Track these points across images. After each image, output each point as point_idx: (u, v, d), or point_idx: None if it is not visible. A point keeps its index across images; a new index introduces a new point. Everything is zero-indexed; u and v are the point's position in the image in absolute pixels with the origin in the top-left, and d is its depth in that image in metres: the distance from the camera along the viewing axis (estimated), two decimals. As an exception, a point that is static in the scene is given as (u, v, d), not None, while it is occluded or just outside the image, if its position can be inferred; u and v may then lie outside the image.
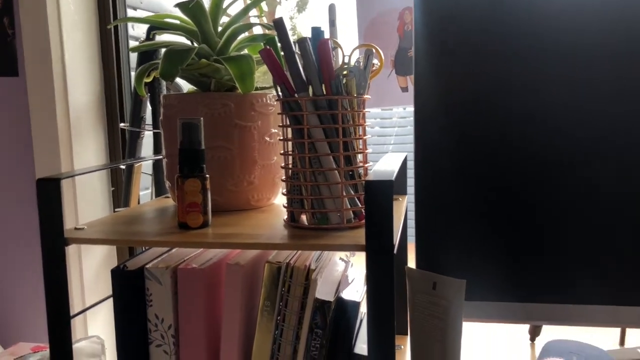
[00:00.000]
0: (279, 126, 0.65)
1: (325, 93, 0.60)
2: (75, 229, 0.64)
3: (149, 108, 1.08)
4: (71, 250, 1.14)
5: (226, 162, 0.71)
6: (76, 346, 0.78)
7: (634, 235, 0.60)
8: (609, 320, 0.62)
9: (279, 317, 0.63)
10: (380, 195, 0.52)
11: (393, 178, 0.54)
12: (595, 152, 0.61)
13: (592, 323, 0.62)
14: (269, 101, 0.73)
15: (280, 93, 0.62)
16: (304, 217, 0.64)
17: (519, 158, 0.63)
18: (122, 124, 1.13)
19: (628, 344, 0.81)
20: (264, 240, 0.58)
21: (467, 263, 0.63)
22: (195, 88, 0.76)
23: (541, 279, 0.63)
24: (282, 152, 0.65)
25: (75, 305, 1.15)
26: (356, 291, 0.66)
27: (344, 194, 0.61)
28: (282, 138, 0.65)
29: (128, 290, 0.65)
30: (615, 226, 0.61)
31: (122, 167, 1.11)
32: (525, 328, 0.84)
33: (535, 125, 0.63)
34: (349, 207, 0.62)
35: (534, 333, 0.79)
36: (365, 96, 0.63)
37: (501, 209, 0.63)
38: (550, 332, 0.75)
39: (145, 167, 1.15)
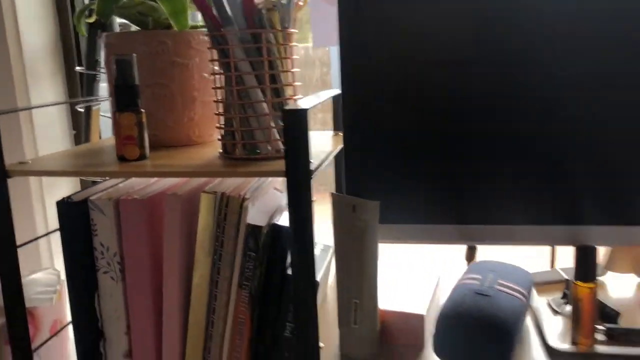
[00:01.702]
0: (209, 61, 0.67)
1: (248, 27, 0.62)
2: (20, 163, 0.67)
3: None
4: (33, 185, 1.16)
5: (166, 98, 0.74)
6: (33, 277, 0.83)
7: (557, 155, 0.63)
8: (518, 239, 0.66)
9: (217, 243, 0.67)
10: (295, 123, 0.55)
11: (308, 107, 0.56)
12: (515, 71, 0.64)
13: (509, 242, 0.66)
14: (206, 39, 0.75)
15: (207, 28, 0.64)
16: (238, 149, 0.67)
17: (440, 77, 0.65)
18: (78, 68, 1.14)
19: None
20: (193, 169, 0.62)
21: (392, 187, 0.67)
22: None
23: (462, 201, 0.66)
24: (213, 86, 0.68)
25: (41, 241, 1.19)
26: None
27: (273, 125, 0.64)
28: (212, 72, 0.67)
29: (73, 221, 0.69)
30: (535, 144, 0.64)
31: (81, 110, 1.12)
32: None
33: (455, 44, 0.65)
34: (278, 138, 0.65)
35: (470, 256, 0.84)
36: (291, 30, 0.65)
37: (423, 132, 0.66)
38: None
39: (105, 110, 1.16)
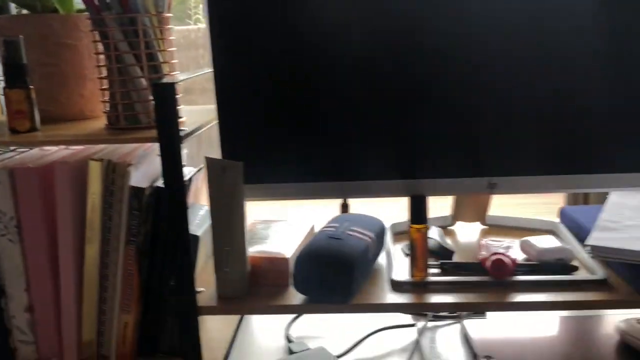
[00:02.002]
0: (92, 42, 0.75)
1: (124, 11, 0.71)
2: None
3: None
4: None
5: (57, 77, 0.81)
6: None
7: (394, 120, 0.76)
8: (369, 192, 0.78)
9: (106, 205, 0.76)
10: (163, 96, 0.65)
11: (175, 82, 0.66)
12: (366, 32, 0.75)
13: (363, 195, 0.78)
14: (93, 21, 0.82)
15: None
16: (121, 121, 0.75)
17: (303, 42, 0.76)
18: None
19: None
20: (77, 138, 0.70)
21: (259, 151, 0.77)
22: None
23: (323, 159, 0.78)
24: (96, 64, 0.75)
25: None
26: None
27: (150, 98, 0.73)
28: (95, 52, 0.75)
29: (-30, 189, 0.75)
30: (379, 110, 0.76)
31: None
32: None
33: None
34: (157, 109, 0.74)
35: (344, 210, 0.96)
36: (166, 14, 0.74)
37: (284, 101, 0.76)
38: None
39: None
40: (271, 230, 0.87)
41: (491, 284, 0.74)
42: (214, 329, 0.93)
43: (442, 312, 0.93)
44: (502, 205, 1.00)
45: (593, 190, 0.85)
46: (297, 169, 0.77)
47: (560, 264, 0.77)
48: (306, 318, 0.98)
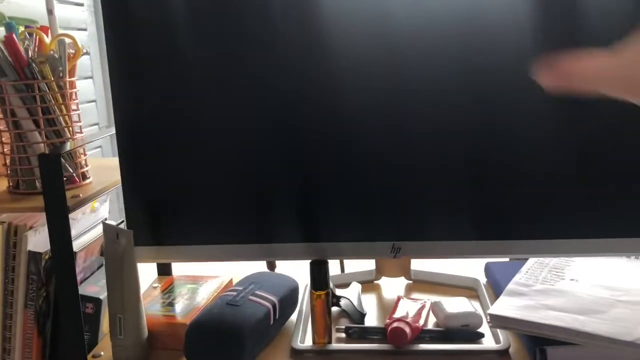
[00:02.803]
0: (-8, 107, 0.75)
1: (20, 78, 0.71)
2: None
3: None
4: None
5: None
6: None
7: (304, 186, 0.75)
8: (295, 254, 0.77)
9: (7, 268, 0.75)
10: (47, 166, 0.64)
11: (60, 152, 0.66)
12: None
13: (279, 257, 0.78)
14: None
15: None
16: (20, 185, 0.75)
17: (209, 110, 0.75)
18: None
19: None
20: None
21: (165, 212, 0.77)
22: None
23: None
24: (-2, 129, 0.76)
25: None
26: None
27: (49, 163, 0.73)
28: (-3, 117, 0.75)
29: None
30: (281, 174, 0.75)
31: None
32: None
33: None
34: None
35: (270, 267, 0.96)
36: (69, 79, 0.74)
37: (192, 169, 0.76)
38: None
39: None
40: (186, 288, 0.86)
41: (391, 353, 0.73)
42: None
43: None
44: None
45: (512, 256, 0.84)
46: (200, 231, 0.77)
47: (466, 330, 0.75)
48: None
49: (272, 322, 0.75)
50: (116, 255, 0.70)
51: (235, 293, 0.76)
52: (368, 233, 0.76)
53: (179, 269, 0.97)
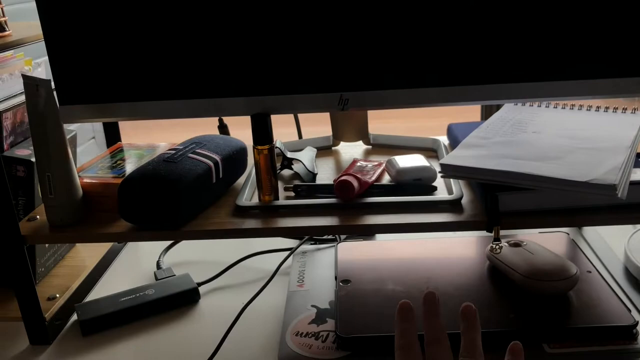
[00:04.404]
0: None
1: None
2: None
3: None
4: None
5: None
6: None
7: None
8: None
9: None
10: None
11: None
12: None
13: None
14: None
15: None
16: None
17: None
18: None
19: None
20: None
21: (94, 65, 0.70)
22: None
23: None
24: None
25: None
26: None
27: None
28: None
29: None
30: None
31: None
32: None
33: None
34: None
35: (221, 130, 0.91)
36: None
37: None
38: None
39: None
40: (130, 153, 0.82)
41: (338, 207, 0.70)
42: (84, 255, 0.90)
43: (285, 236, 0.91)
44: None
45: (470, 103, 0.78)
46: (134, 85, 0.70)
47: (416, 184, 0.72)
48: (188, 244, 0.95)
49: (214, 180, 0.71)
50: (37, 109, 0.65)
51: (174, 151, 0.72)
52: (313, 84, 0.70)
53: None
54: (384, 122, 0.94)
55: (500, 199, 0.64)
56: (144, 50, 0.68)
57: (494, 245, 0.74)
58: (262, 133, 0.69)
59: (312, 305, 0.75)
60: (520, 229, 0.70)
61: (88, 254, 0.90)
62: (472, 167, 0.66)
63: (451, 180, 0.72)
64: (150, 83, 0.69)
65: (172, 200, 0.65)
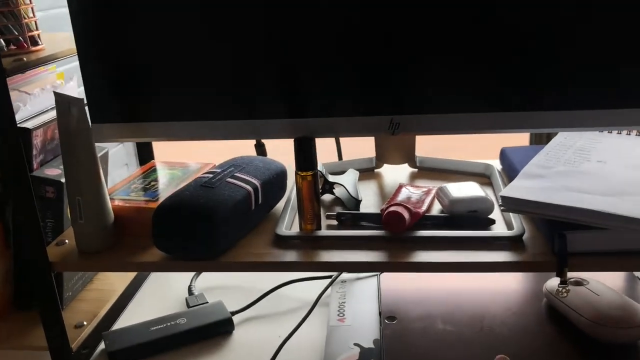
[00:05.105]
0: None
1: None
2: None
3: None
4: None
5: None
6: None
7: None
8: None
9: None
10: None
11: None
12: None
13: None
14: None
15: None
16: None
17: None
18: None
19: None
20: None
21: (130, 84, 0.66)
22: None
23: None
24: None
25: None
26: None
27: None
28: None
29: None
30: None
31: None
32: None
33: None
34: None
35: (259, 151, 0.87)
36: None
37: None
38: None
39: None
40: (164, 173, 0.78)
41: (385, 239, 0.64)
42: (113, 279, 0.86)
43: (326, 271, 0.83)
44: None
45: (530, 130, 0.72)
46: (170, 106, 0.66)
47: (472, 216, 0.66)
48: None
49: (253, 206, 0.67)
50: (69, 129, 0.61)
51: (211, 175, 0.67)
52: (362, 106, 0.65)
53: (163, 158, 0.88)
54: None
55: (568, 238, 0.58)
56: (179, 69, 0.64)
57: (560, 289, 0.68)
58: (306, 158, 0.64)
59: (355, 344, 0.69)
60: (590, 272, 0.64)
61: (117, 276, 0.86)
62: (537, 201, 0.60)
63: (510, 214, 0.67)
64: (185, 102, 0.65)
65: (209, 231, 0.60)
